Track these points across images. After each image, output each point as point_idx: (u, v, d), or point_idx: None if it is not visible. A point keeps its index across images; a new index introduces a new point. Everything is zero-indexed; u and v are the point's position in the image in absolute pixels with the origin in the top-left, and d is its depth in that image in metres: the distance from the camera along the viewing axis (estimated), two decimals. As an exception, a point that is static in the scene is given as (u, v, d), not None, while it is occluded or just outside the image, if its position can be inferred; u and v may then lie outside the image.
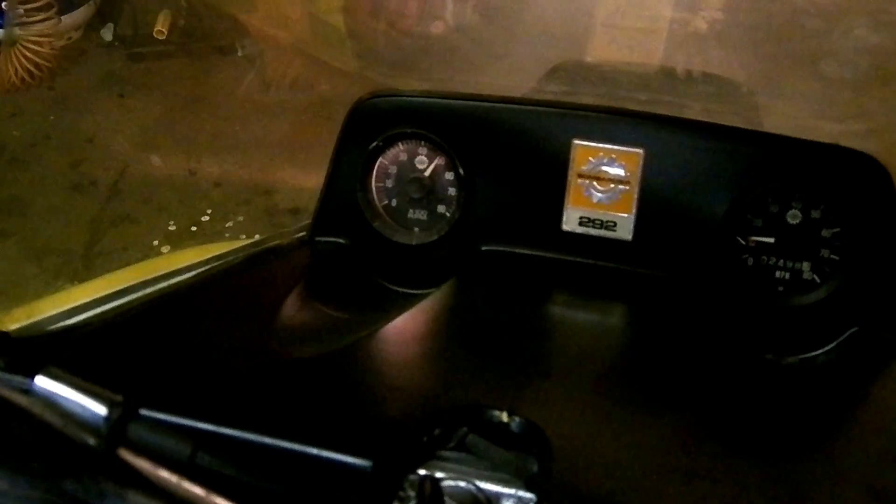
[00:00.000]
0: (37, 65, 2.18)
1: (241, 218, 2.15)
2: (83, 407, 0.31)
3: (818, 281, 0.78)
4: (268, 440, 0.45)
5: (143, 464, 0.32)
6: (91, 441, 0.31)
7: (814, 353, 0.76)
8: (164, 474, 0.32)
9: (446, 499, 0.45)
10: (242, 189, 2.21)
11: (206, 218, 2.15)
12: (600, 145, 0.79)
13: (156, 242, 2.07)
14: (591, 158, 0.80)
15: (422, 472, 0.47)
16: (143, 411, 0.33)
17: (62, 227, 2.11)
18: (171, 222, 2.13)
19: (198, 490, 0.32)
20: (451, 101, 0.83)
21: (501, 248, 0.84)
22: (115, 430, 0.31)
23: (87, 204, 2.19)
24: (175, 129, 2.36)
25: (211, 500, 0.32)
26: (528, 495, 0.45)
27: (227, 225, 2.14)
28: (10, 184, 2.23)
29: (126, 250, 2.05)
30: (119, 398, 0.32)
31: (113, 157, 2.31)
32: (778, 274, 0.79)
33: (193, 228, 2.12)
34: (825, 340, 0.76)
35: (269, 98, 2.32)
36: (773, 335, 0.78)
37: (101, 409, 0.31)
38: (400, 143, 0.85)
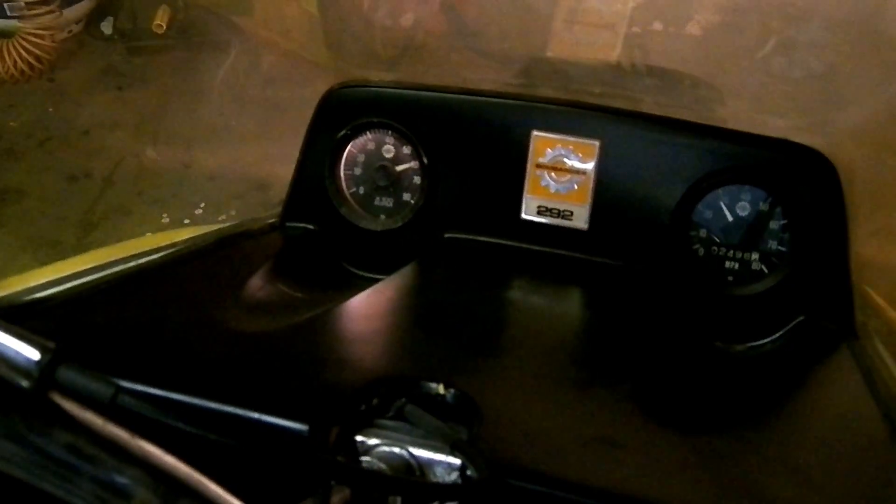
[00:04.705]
0: (37, 57, 2.21)
1: (233, 212, 2.18)
2: (17, 352, 0.34)
3: (766, 271, 0.81)
4: (203, 402, 0.47)
5: (70, 406, 0.34)
6: (24, 383, 0.34)
7: (761, 342, 0.78)
8: (90, 416, 0.34)
9: (369, 459, 0.47)
10: (236, 181, 2.24)
11: (200, 211, 2.18)
12: (558, 136, 0.82)
13: (149, 234, 2.11)
14: (549, 149, 0.83)
15: (359, 438, 0.50)
16: (71, 366, 0.35)
17: (57, 217, 2.14)
18: (165, 214, 2.16)
19: (121, 432, 0.35)
20: (417, 93, 0.86)
21: (463, 236, 0.86)
22: (45, 374, 0.34)
23: (82, 195, 2.22)
24: (171, 122, 2.39)
25: (134, 443, 0.35)
26: (457, 461, 0.48)
27: (220, 218, 2.16)
28: (6, 174, 2.26)
29: (120, 240, 2.08)
30: (51, 344, 0.34)
31: (109, 149, 2.34)
32: (727, 264, 0.82)
33: (187, 221, 2.14)
34: (772, 329, 0.79)
35: (265, 93, 2.35)
36: (723, 323, 0.81)
37: (33, 354, 0.34)
38: (367, 132, 0.88)
